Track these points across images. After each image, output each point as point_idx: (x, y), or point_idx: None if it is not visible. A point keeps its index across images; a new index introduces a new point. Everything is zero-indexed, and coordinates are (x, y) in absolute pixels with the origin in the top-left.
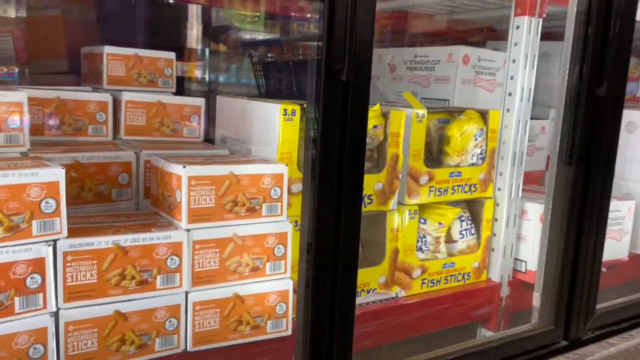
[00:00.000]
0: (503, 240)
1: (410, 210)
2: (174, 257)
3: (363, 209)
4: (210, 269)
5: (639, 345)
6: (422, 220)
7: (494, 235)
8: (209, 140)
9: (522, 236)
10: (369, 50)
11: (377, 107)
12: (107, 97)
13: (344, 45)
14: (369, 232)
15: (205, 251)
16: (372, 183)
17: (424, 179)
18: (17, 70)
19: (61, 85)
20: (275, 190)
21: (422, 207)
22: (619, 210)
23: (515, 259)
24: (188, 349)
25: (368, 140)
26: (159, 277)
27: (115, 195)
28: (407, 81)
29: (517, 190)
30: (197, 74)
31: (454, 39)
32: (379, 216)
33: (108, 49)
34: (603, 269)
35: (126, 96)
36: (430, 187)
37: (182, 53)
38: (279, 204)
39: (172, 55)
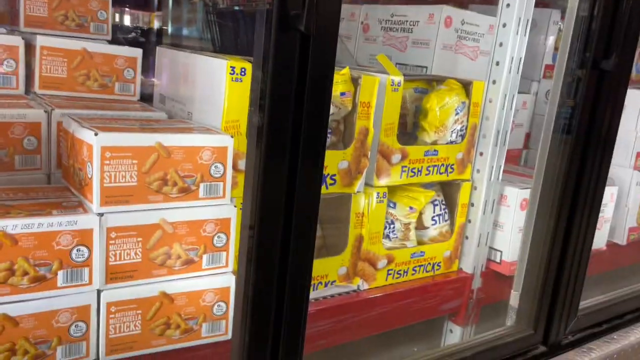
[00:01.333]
0: (479, 227)
1: (378, 193)
2: (82, 247)
3: (324, 191)
4: (130, 262)
5: (621, 351)
6: (391, 204)
7: (469, 221)
8: (146, 99)
9: (500, 224)
10: None
11: (345, 70)
12: (17, 41)
13: None
14: (330, 216)
15: (123, 240)
16: (336, 160)
17: (396, 157)
18: None
19: None
20: (216, 166)
21: (392, 190)
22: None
23: (491, 247)
24: (100, 359)
25: (333, 109)
26: (60, 273)
27: (18, 164)
28: (381, 43)
29: (498, 173)
30: (156, 25)
31: None
32: (342, 198)
33: None
34: None
35: (41, 40)
36: (403, 166)
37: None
38: (221, 183)
39: None
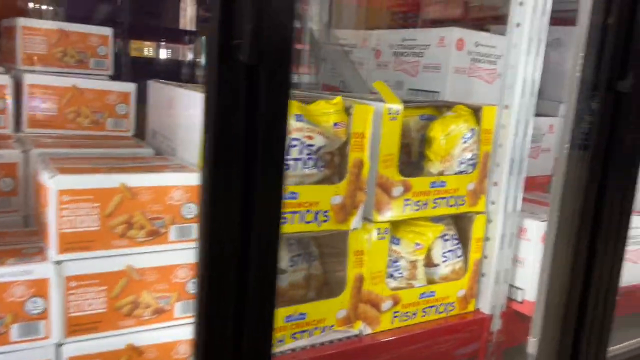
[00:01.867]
0: (496, 263)
1: (379, 229)
2: (37, 299)
3: (316, 229)
4: (93, 312)
5: None
6: (394, 241)
7: (485, 257)
8: (141, 135)
9: (520, 259)
10: (288, 17)
11: (337, 99)
12: (5, 80)
13: (244, 9)
14: (325, 255)
15: (85, 289)
16: (328, 195)
17: (397, 190)
18: None
19: None
20: (188, 207)
21: (395, 225)
22: (637, 227)
23: (511, 286)
24: None
25: (324, 141)
26: (14, 327)
27: None
28: (393, 69)
29: (515, 203)
30: (189, 58)
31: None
32: (338, 236)
33: (23, 22)
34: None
35: (29, 78)
36: (406, 199)
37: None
38: (194, 225)
39: (107, 31)
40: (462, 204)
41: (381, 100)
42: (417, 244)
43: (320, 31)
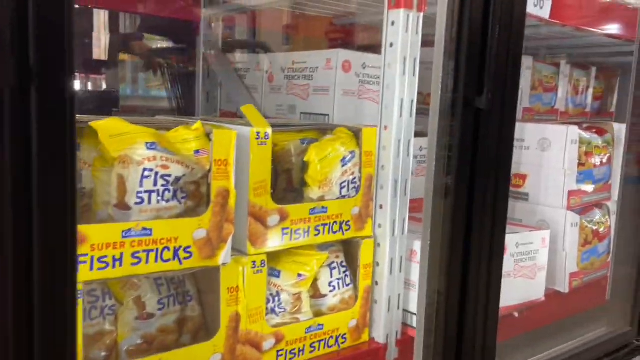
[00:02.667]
0: (387, 289)
1: (254, 262)
2: None
3: (178, 267)
4: None
5: None
6: (274, 273)
7: (376, 284)
8: None
9: (412, 283)
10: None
11: (197, 125)
12: None
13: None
14: (204, 293)
15: None
16: (189, 230)
17: (273, 219)
18: None
19: None
20: None
21: (275, 256)
22: (532, 243)
23: (405, 311)
24: None
25: (184, 170)
26: None
27: None
28: (286, 92)
29: (403, 226)
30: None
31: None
32: (210, 273)
33: None
34: (515, 314)
35: None
36: (284, 229)
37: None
38: None
39: None
40: (348, 229)
41: (250, 125)
42: (300, 275)
43: (215, 55)
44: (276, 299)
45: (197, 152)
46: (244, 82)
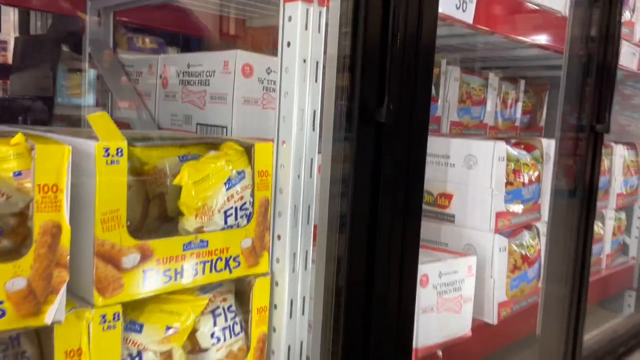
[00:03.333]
0: (286, 336)
1: (104, 316)
2: None
3: None
4: None
5: None
6: (134, 328)
7: (274, 330)
8: None
9: None
10: None
11: (18, 138)
12: None
13: None
14: (48, 355)
15: None
16: (5, 278)
17: (130, 259)
18: None
19: None
20: None
21: (136, 305)
22: (456, 272)
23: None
24: None
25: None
26: None
27: None
28: (181, 100)
29: (305, 259)
30: None
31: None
32: (46, 332)
33: None
34: (439, 352)
35: None
36: (146, 270)
37: None
38: None
39: None
40: (237, 266)
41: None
42: (169, 328)
43: (103, 56)
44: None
45: (17, 174)
46: (136, 87)
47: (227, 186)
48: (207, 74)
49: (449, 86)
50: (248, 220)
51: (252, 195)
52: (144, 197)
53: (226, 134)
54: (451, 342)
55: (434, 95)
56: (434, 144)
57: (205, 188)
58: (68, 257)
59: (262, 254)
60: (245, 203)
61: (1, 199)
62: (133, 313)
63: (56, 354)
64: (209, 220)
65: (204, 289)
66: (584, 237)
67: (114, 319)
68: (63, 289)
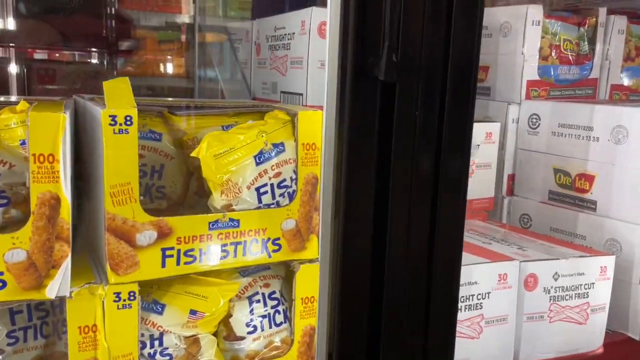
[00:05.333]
0: None
1: (119, 294)
2: None
3: None
4: None
5: None
6: (155, 308)
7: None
8: None
9: None
10: None
11: (21, 105)
12: None
13: None
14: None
15: None
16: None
17: (145, 235)
18: None
19: None
20: None
21: (163, 284)
22: (582, 274)
23: None
24: None
25: (2, 169)
26: None
27: None
28: (269, 67)
29: None
30: None
31: None
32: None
33: None
34: None
35: None
36: (166, 249)
37: None
38: None
39: None
40: (277, 250)
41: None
42: (194, 312)
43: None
44: (156, 342)
45: (23, 142)
46: (237, 55)
47: (258, 160)
48: (289, 37)
49: (611, 40)
50: (290, 200)
51: (296, 171)
52: (186, 170)
53: (302, 102)
54: (570, 357)
55: (587, 53)
56: (572, 112)
57: (230, 162)
58: (69, 231)
59: (309, 237)
60: (284, 180)
61: (4, 168)
62: (158, 292)
63: (69, 329)
64: (236, 198)
65: (244, 271)
66: None
67: (129, 297)
68: (65, 263)
